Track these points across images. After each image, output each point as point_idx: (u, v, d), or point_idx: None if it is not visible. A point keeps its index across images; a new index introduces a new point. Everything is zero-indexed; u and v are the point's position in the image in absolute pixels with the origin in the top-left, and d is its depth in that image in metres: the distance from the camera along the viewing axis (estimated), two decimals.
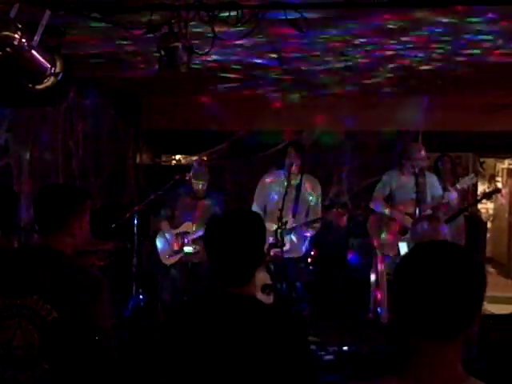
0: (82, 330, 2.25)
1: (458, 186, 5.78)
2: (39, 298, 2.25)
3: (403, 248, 5.17)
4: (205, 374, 2.00)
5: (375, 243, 6.04)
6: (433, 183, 5.91)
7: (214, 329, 2.01)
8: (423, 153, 5.79)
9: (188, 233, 5.88)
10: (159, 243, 6.08)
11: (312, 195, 5.87)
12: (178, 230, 5.94)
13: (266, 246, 5.72)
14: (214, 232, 2.11)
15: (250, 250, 2.08)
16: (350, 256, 7.32)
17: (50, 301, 2.25)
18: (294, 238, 5.72)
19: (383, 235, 5.92)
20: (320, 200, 5.95)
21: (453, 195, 5.72)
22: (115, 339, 2.45)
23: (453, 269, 1.41)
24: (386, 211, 5.93)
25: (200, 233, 5.73)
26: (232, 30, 3.79)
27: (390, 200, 6.02)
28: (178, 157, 9.03)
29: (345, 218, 6.03)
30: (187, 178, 6.02)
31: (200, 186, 5.98)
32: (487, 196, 6.44)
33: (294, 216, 5.73)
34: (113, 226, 6.32)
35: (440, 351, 1.41)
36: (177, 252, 5.91)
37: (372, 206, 6.06)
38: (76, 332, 2.24)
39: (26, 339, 2.23)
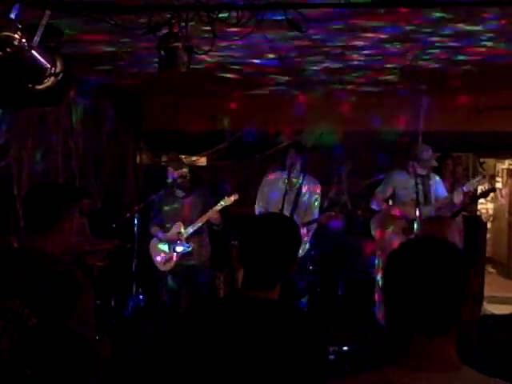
0: (60, 336, 2.21)
1: (465, 188, 5.76)
2: (21, 303, 2.22)
3: None
4: (223, 377, 1.97)
5: (378, 235, 6.00)
6: (437, 184, 5.91)
7: (233, 333, 1.99)
8: (431, 153, 5.79)
9: (180, 233, 5.73)
10: (153, 252, 5.88)
11: (311, 196, 5.86)
12: (169, 234, 5.74)
13: None
14: (251, 233, 2.10)
15: (286, 255, 2.07)
16: (349, 256, 7.32)
17: (30, 305, 2.22)
18: None
19: (390, 229, 5.90)
20: (318, 202, 5.93)
21: (458, 197, 5.71)
22: (108, 343, 2.44)
23: (437, 265, 1.47)
24: (386, 210, 5.94)
25: (191, 230, 5.65)
26: (232, 30, 3.80)
27: (391, 200, 6.02)
28: (167, 157, 9.02)
29: (339, 220, 6.02)
30: (180, 180, 5.86)
31: (182, 178, 5.73)
32: (483, 195, 6.43)
33: (291, 216, 5.72)
34: (113, 226, 6.33)
35: (432, 343, 1.46)
36: (171, 257, 5.75)
37: (372, 205, 6.07)
38: (55, 338, 2.20)
39: (11, 343, 2.21)
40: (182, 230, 5.69)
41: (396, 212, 5.85)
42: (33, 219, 2.42)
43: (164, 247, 5.79)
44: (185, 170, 5.78)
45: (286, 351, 1.94)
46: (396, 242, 5.80)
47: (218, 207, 5.66)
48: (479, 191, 6.51)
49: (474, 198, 6.61)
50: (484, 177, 6.11)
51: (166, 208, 5.80)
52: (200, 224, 5.63)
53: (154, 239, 5.87)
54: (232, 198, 5.68)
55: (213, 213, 5.62)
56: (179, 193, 5.76)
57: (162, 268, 5.78)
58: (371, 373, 1.51)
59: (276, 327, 1.98)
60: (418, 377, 1.43)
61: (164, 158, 8.71)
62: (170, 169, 5.80)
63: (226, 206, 5.70)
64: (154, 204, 5.96)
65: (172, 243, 5.70)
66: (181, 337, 2.08)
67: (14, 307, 2.23)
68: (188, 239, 5.68)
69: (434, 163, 5.92)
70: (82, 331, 2.26)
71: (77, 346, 2.25)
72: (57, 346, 2.21)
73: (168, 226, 5.78)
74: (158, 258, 5.82)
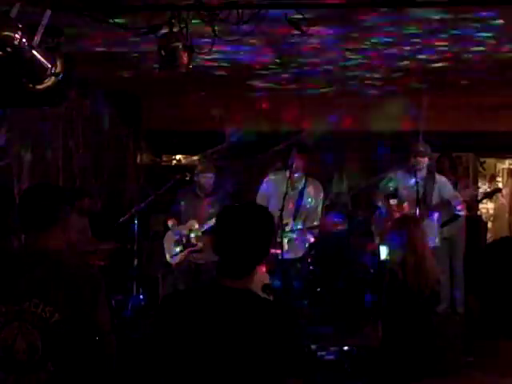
0: (85, 330, 2.24)
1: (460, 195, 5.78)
2: (39, 301, 2.23)
3: (383, 252, 5.12)
4: (198, 366, 2.02)
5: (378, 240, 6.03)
6: (442, 183, 5.90)
7: (206, 321, 2.04)
8: (421, 148, 5.80)
9: (191, 230, 5.82)
10: (166, 243, 6.03)
11: (314, 199, 5.85)
12: (183, 228, 5.89)
13: None
14: (224, 221, 2.13)
15: (256, 244, 2.09)
16: (349, 256, 7.31)
17: (51, 303, 2.23)
18: (293, 239, 5.71)
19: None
20: (321, 205, 5.93)
21: (459, 206, 5.71)
22: (115, 339, 2.45)
23: None
24: (386, 208, 5.94)
25: (203, 229, 5.73)
26: (232, 29, 3.79)
27: (395, 199, 6.02)
28: (178, 157, 9.03)
29: (344, 227, 6.03)
30: (187, 177, 5.99)
31: (206, 180, 5.88)
32: (488, 196, 6.44)
33: (294, 219, 5.72)
34: (113, 226, 6.33)
35: None
36: (181, 250, 5.88)
37: (374, 202, 6.11)
38: (79, 333, 2.23)
39: (29, 343, 2.22)
40: (196, 227, 5.78)
41: (395, 214, 5.85)
42: (32, 219, 2.41)
43: (176, 239, 5.88)
44: (210, 174, 5.87)
45: (257, 338, 2.00)
46: None
47: None
48: (484, 192, 6.53)
49: (479, 199, 6.63)
50: (475, 190, 6.17)
51: (184, 204, 5.92)
52: (212, 224, 5.67)
53: (170, 231, 5.99)
54: None
55: None
56: (200, 192, 5.87)
57: (170, 261, 5.88)
58: (456, 377, 1.49)
59: (247, 315, 2.03)
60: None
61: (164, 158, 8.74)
62: (198, 169, 5.91)
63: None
64: (176, 197, 6.09)
65: (183, 239, 5.82)
66: (157, 329, 2.14)
67: (30, 307, 2.24)
68: (199, 238, 5.76)
69: (427, 160, 5.87)
70: (103, 323, 2.31)
71: (100, 340, 2.28)
72: (82, 341, 2.24)
73: (184, 220, 5.94)
74: (169, 250, 5.94)
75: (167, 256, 5.98)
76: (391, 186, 6.01)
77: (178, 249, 5.89)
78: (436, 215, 5.88)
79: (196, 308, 2.08)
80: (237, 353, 1.99)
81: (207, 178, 5.89)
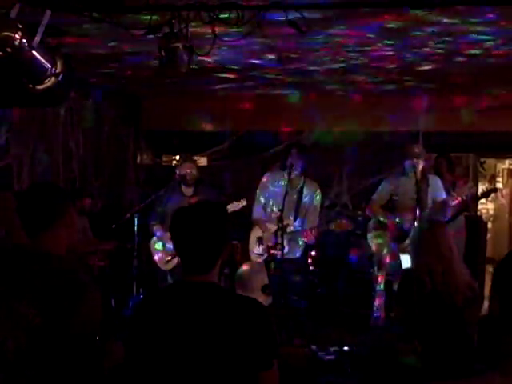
0: (65, 335, 2.22)
1: (455, 194, 5.75)
2: (27, 302, 2.23)
3: (406, 261, 5.10)
4: (170, 362, 2.09)
5: (373, 248, 6.06)
6: (435, 186, 5.88)
7: (176, 316, 2.12)
8: (417, 150, 5.79)
9: None
10: (155, 251, 5.90)
11: (312, 199, 5.85)
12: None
13: (265, 247, 5.72)
14: (178, 222, 2.23)
15: (210, 240, 2.16)
16: (350, 256, 7.31)
17: (36, 305, 2.23)
18: (293, 239, 5.71)
19: (381, 241, 5.92)
20: (319, 205, 5.93)
21: (454, 202, 5.69)
22: (119, 347, 2.44)
23: None
24: (381, 218, 5.92)
25: None
26: (232, 30, 3.80)
27: (392, 206, 6.00)
28: (178, 157, 9.03)
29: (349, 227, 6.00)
30: (188, 176, 5.90)
31: (186, 171, 5.82)
32: (485, 195, 6.43)
33: (295, 220, 5.72)
34: (113, 226, 6.33)
35: None
36: (172, 256, 5.77)
37: (367, 212, 6.09)
38: (59, 338, 2.21)
39: (16, 343, 2.22)
40: None
41: (389, 222, 5.84)
42: (32, 219, 2.41)
43: (164, 246, 5.82)
44: (190, 165, 5.84)
45: (225, 331, 2.06)
46: (387, 254, 5.84)
47: None
48: (480, 191, 6.51)
49: (475, 198, 6.60)
50: (472, 186, 6.13)
51: (172, 206, 5.80)
52: None
53: (154, 238, 5.90)
54: (240, 205, 5.69)
55: None
56: (187, 192, 5.81)
57: (163, 267, 5.81)
58: (474, 380, 1.49)
59: (213, 307, 2.11)
60: None
61: (164, 158, 8.75)
62: (179, 164, 5.87)
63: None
64: (155, 202, 5.98)
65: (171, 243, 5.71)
66: (130, 331, 2.23)
67: (20, 307, 2.24)
68: None
69: (424, 161, 5.85)
70: (85, 331, 2.28)
71: (79, 346, 2.25)
72: (60, 346, 2.22)
73: (169, 224, 5.77)
74: (157, 257, 5.85)
75: (160, 264, 5.84)
76: (385, 192, 5.98)
77: (170, 254, 5.76)
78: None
79: (165, 306, 2.17)
80: (205, 347, 2.05)
81: (187, 168, 5.82)
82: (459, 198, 5.67)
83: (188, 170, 5.82)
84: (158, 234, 5.84)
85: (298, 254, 5.80)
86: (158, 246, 5.88)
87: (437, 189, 5.86)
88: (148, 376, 2.14)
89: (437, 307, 3.40)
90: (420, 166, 5.71)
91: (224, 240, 2.21)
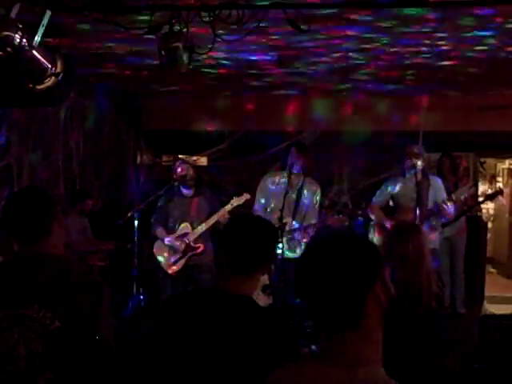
0: (85, 338, 2.22)
1: (454, 196, 5.75)
2: (40, 307, 2.21)
3: None
4: (193, 368, 2.09)
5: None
6: (436, 187, 5.87)
7: (205, 325, 2.12)
8: (417, 150, 5.80)
9: (187, 233, 5.74)
10: (159, 254, 5.85)
11: (311, 198, 5.85)
12: (176, 234, 5.73)
13: None
14: (231, 233, 2.31)
15: (262, 248, 2.27)
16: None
17: (52, 310, 2.21)
18: (293, 238, 5.72)
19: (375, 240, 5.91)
20: (318, 204, 5.93)
21: (451, 208, 5.68)
22: (116, 341, 2.44)
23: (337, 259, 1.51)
24: (380, 219, 5.92)
25: (201, 231, 5.67)
26: (232, 30, 3.79)
27: (393, 207, 6.00)
28: (173, 159, 9.01)
29: (345, 222, 5.99)
30: (187, 177, 5.88)
31: (182, 167, 5.78)
32: (490, 198, 6.43)
33: (293, 218, 5.72)
34: (113, 226, 6.33)
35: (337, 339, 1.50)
36: (181, 257, 5.75)
37: (369, 213, 6.10)
38: (79, 340, 2.21)
39: (29, 349, 2.20)
40: (190, 230, 5.68)
41: (388, 224, 5.84)
42: (24, 228, 2.36)
43: (175, 246, 5.72)
44: (185, 165, 5.83)
45: (250, 348, 2.07)
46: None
47: (229, 207, 5.66)
48: (486, 194, 6.52)
49: (480, 201, 6.62)
50: (471, 187, 6.12)
51: (172, 207, 5.80)
52: (210, 224, 5.65)
53: (159, 241, 5.86)
54: (243, 198, 5.70)
55: (223, 213, 5.62)
56: (187, 193, 5.78)
57: (170, 271, 5.75)
58: (298, 363, 1.59)
59: (244, 323, 2.11)
60: (326, 372, 1.48)
61: (164, 158, 8.74)
62: (174, 168, 5.85)
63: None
64: (156, 203, 5.96)
65: (181, 242, 5.67)
66: (159, 330, 2.25)
67: (31, 313, 2.21)
68: (198, 240, 5.68)
69: (422, 161, 5.82)
70: (105, 331, 2.28)
71: (101, 347, 2.26)
72: (82, 348, 2.21)
73: (171, 225, 5.77)
74: (163, 260, 5.80)
75: (164, 266, 5.78)
76: (386, 195, 5.97)
77: (177, 256, 5.76)
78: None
79: (196, 312, 2.17)
80: (227, 362, 2.05)
81: (184, 170, 5.76)
82: (456, 204, 5.68)
83: (185, 171, 5.79)
84: (167, 239, 5.77)
85: (298, 254, 5.81)
86: (162, 249, 5.84)
87: (438, 189, 5.85)
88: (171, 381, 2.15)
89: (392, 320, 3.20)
90: (420, 167, 5.71)
91: (268, 258, 2.31)
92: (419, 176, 5.68)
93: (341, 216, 5.76)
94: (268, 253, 2.32)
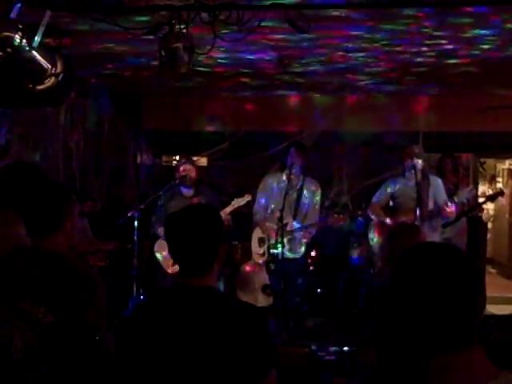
0: (78, 332, 2.24)
1: (456, 199, 5.76)
2: (35, 302, 2.24)
3: None
4: (166, 367, 2.04)
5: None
6: (436, 187, 5.86)
7: (172, 322, 2.08)
8: (417, 150, 5.80)
9: None
10: (159, 253, 5.87)
11: (312, 198, 5.85)
12: None
13: (266, 246, 5.73)
14: (171, 225, 2.22)
15: (203, 242, 2.16)
16: (350, 256, 7.31)
17: (45, 304, 2.24)
18: (293, 238, 5.72)
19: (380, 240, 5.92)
20: (319, 204, 5.93)
21: (452, 208, 5.68)
22: (113, 340, 2.44)
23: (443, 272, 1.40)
24: (381, 218, 5.92)
25: None
26: (232, 30, 3.79)
27: (393, 207, 6.00)
28: (178, 157, 9.02)
29: (345, 222, 6.00)
30: (187, 177, 5.89)
31: (184, 168, 5.81)
32: (491, 199, 6.43)
33: (294, 218, 5.73)
34: (113, 226, 6.33)
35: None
36: None
37: (369, 213, 6.10)
38: (72, 334, 2.24)
39: (25, 342, 2.23)
40: None
41: (388, 221, 5.84)
42: (38, 223, 2.41)
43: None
44: (189, 166, 5.83)
45: (221, 338, 2.02)
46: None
47: (230, 208, 5.66)
48: (486, 195, 6.52)
49: (481, 202, 6.62)
50: (473, 189, 6.13)
51: (172, 208, 5.79)
52: None
53: (161, 240, 5.85)
54: (244, 200, 5.69)
55: (225, 213, 5.62)
56: (187, 192, 5.78)
57: (170, 270, 5.75)
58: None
59: (212, 313, 2.07)
60: None
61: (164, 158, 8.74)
62: (177, 167, 5.86)
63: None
64: (157, 203, 5.97)
65: None
66: (124, 336, 2.18)
67: (26, 307, 2.25)
68: None
69: (422, 161, 5.82)
70: (99, 326, 2.31)
71: (94, 342, 2.28)
72: (75, 342, 2.24)
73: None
74: (163, 259, 5.81)
75: (164, 265, 5.79)
76: (386, 195, 5.97)
77: None
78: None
79: (161, 311, 2.14)
80: (201, 355, 2.00)
81: (186, 170, 5.79)
82: (455, 206, 5.69)
83: (187, 172, 5.79)
84: (162, 234, 5.79)
85: (298, 254, 5.81)
86: (163, 247, 5.84)
87: (438, 189, 5.85)
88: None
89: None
90: (420, 167, 5.71)
91: (218, 242, 2.19)
92: (419, 176, 5.68)
93: (341, 216, 5.77)
94: (215, 245, 2.18)
